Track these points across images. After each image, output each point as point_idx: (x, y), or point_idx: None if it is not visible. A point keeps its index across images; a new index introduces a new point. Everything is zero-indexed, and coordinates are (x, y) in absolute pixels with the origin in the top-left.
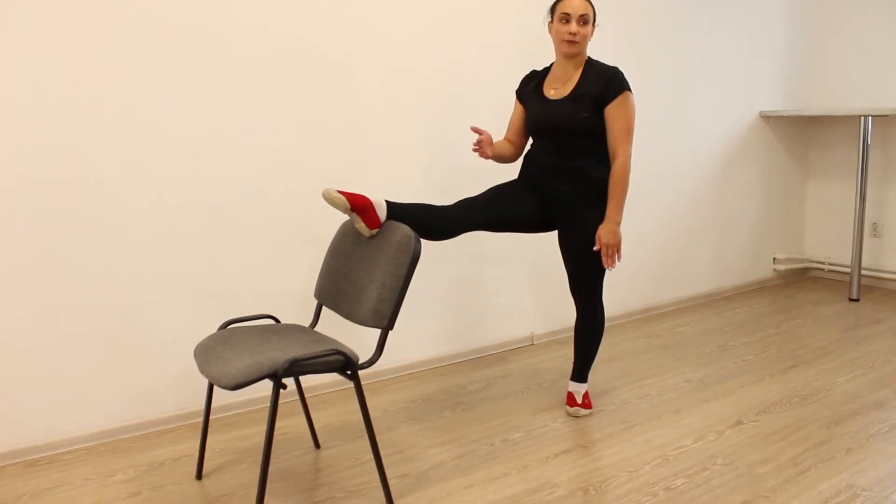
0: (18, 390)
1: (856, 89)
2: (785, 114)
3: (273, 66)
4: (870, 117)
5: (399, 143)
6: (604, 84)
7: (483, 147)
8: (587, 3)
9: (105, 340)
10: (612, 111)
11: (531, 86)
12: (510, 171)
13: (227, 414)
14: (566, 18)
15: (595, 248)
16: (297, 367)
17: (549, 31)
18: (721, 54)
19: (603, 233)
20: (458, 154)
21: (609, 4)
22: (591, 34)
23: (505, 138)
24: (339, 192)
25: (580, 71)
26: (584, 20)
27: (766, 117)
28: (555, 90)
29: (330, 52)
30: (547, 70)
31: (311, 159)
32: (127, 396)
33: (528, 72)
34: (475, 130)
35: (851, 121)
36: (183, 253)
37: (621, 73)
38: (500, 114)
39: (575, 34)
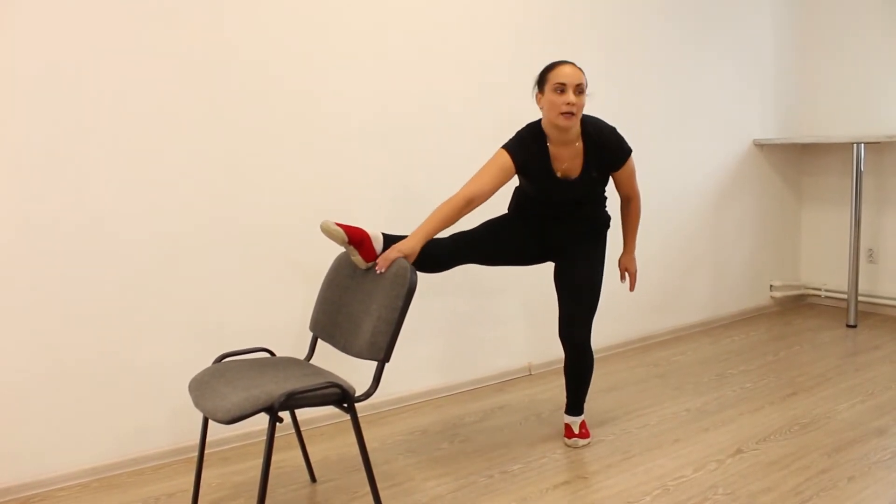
0: (11, 427)
1: (848, 116)
2: (778, 142)
3: (265, 106)
4: (862, 144)
5: (393, 180)
6: (609, 155)
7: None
8: (581, 71)
9: (98, 375)
10: (621, 173)
11: (537, 163)
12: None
13: (222, 448)
14: (561, 88)
15: (622, 281)
16: (293, 401)
17: (538, 102)
18: (714, 84)
19: (629, 263)
20: (450, 190)
21: (600, 39)
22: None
23: (465, 196)
24: (337, 224)
25: (581, 143)
26: (580, 89)
27: (760, 145)
28: (563, 170)
29: (322, 92)
30: (542, 139)
31: (306, 193)
32: (120, 432)
33: (519, 132)
34: None
35: (844, 148)
36: (176, 287)
37: (619, 136)
38: (492, 150)
39: (573, 104)
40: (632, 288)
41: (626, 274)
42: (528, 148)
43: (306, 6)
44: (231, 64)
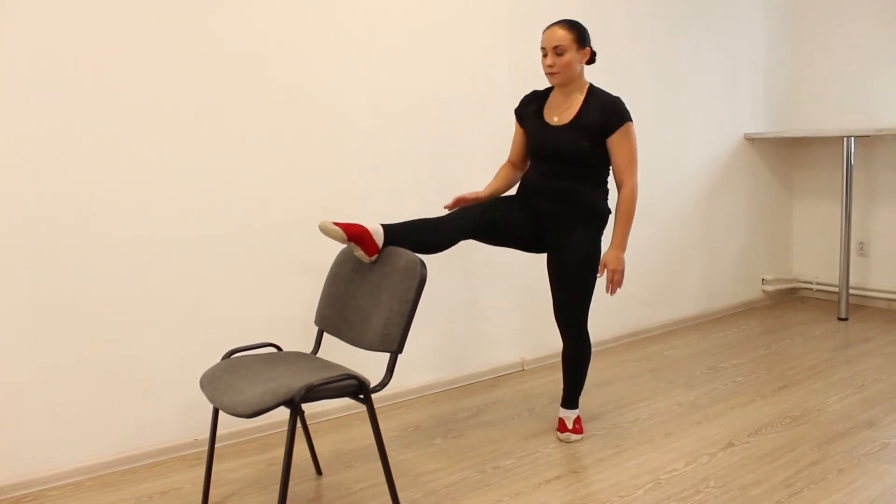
0: (3, 425)
1: (838, 110)
2: (769, 136)
3: (265, 101)
4: (852, 138)
5: (393, 173)
6: (605, 115)
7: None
8: (563, 32)
9: (92, 373)
10: (614, 142)
11: (531, 108)
12: None
13: (216, 446)
14: (543, 51)
15: (599, 276)
16: (312, 393)
17: None
18: (704, 79)
19: (609, 259)
20: (450, 182)
21: (592, 33)
22: (584, 58)
23: (508, 161)
24: (335, 223)
25: (582, 98)
26: (558, 51)
27: (751, 139)
28: (557, 117)
29: (321, 87)
30: (548, 92)
31: (303, 188)
32: (114, 430)
33: (527, 92)
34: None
35: (834, 142)
36: (172, 285)
37: (622, 104)
38: (494, 144)
39: (552, 65)
40: (608, 289)
41: (605, 271)
42: (530, 98)
43: (305, 3)
44: (227, 59)
